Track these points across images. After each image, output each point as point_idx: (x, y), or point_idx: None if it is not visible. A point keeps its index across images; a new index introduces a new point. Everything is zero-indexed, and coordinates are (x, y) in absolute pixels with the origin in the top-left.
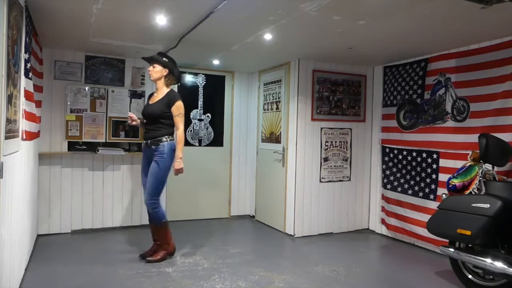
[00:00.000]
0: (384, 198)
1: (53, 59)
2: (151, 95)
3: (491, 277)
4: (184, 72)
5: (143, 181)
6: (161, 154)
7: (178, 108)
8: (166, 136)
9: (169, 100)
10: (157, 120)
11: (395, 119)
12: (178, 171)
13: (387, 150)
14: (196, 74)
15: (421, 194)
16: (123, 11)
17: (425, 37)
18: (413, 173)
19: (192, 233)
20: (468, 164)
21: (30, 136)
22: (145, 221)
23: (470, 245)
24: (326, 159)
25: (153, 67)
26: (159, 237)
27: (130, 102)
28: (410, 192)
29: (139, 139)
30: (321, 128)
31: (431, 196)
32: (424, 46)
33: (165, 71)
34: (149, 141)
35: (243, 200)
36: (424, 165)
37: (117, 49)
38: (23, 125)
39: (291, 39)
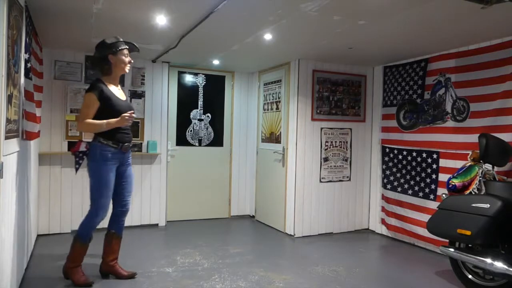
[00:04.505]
0: (384, 198)
1: (53, 59)
2: (107, 89)
3: (491, 277)
4: (184, 72)
5: (109, 197)
6: (130, 157)
7: None
8: None
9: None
10: None
11: (395, 119)
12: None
13: (387, 150)
14: (196, 74)
15: (421, 194)
16: (123, 11)
17: (425, 37)
18: (413, 173)
19: (192, 233)
20: (468, 164)
21: (30, 136)
22: (145, 221)
23: (470, 245)
24: (326, 159)
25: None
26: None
27: (130, 102)
28: (410, 192)
29: (139, 139)
30: (321, 128)
31: (431, 196)
32: (424, 46)
33: None
34: (131, 144)
35: (243, 200)
36: (424, 165)
37: None
38: (23, 125)
39: (291, 39)
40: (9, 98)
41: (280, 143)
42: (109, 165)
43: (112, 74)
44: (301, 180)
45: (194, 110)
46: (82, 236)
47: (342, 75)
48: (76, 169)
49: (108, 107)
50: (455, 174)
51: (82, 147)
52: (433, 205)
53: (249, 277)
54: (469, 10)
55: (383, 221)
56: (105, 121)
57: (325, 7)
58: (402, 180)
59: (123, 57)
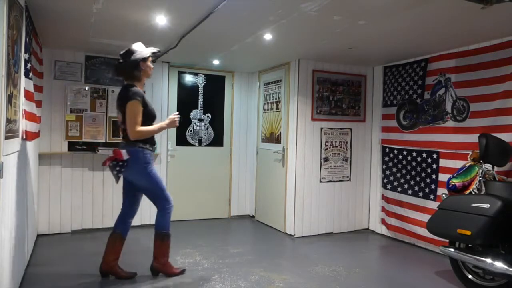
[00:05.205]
0: (384, 198)
1: (53, 59)
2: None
3: (491, 277)
4: (184, 72)
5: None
6: None
7: None
8: None
9: None
10: None
11: (395, 119)
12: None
13: (387, 150)
14: (196, 74)
15: (421, 194)
16: (123, 11)
17: (425, 37)
18: (413, 173)
19: (192, 233)
20: (468, 164)
21: (30, 136)
22: (145, 221)
23: (470, 245)
24: (326, 159)
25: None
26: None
27: None
28: (410, 192)
29: None
30: (321, 128)
31: (431, 196)
32: (424, 46)
33: None
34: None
35: (243, 200)
36: (424, 165)
37: (117, 49)
38: (23, 125)
39: (291, 39)
40: (9, 98)
41: (280, 143)
42: (152, 164)
43: (141, 80)
44: (301, 180)
45: (194, 110)
46: (166, 230)
47: (342, 75)
48: (118, 178)
49: (146, 113)
50: (455, 174)
51: (125, 155)
52: (433, 205)
53: (249, 277)
54: (469, 10)
55: (383, 221)
56: (157, 125)
57: (325, 7)
58: (402, 180)
59: (150, 63)
